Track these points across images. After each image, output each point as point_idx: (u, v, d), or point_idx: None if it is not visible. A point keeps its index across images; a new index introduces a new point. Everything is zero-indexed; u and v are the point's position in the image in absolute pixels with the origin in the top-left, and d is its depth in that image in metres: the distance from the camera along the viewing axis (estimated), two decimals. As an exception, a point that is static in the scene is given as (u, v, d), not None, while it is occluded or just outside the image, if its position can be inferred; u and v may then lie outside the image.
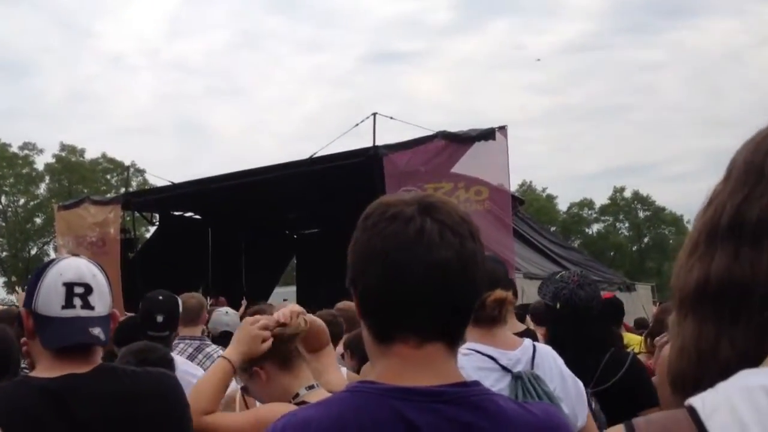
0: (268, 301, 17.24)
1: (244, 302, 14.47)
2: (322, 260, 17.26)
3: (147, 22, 64.49)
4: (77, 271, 1.92)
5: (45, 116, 59.09)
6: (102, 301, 1.94)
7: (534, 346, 2.47)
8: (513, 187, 9.85)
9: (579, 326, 3.23)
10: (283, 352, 2.26)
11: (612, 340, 3.48)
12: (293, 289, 19.16)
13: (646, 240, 55.82)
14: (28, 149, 43.94)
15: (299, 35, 67.34)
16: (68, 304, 1.88)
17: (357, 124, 11.87)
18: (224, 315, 5.74)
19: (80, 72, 61.37)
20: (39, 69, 63.04)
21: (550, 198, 55.48)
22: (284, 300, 16.04)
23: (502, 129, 9.11)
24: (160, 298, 4.15)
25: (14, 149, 43.49)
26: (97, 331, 1.88)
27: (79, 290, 1.90)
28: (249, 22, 67.64)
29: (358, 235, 1.25)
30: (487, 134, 9.05)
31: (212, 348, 4.36)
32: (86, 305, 1.90)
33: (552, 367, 2.44)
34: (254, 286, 16.20)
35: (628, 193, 55.90)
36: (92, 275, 1.94)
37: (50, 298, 1.88)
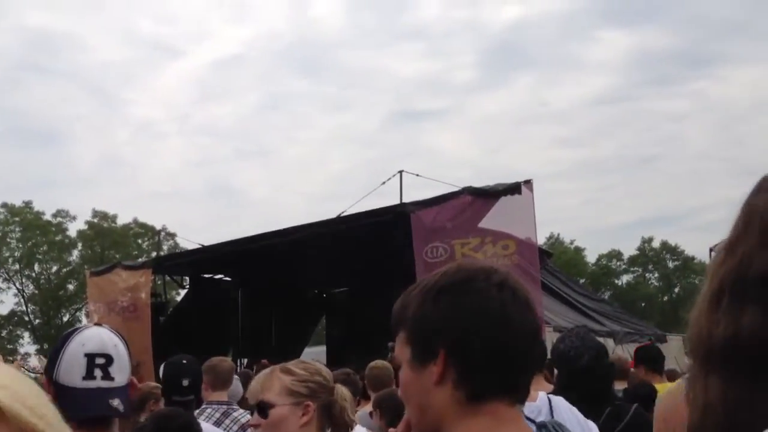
0: (299, 361, 17.18)
1: (255, 367, 14.46)
2: (351, 319, 17.24)
3: (176, 89, 66.10)
4: (99, 342, 1.95)
5: (78, 183, 60.41)
6: (122, 372, 1.96)
7: (549, 398, 2.54)
8: (540, 240, 9.84)
9: (569, 379, 3.26)
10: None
11: (607, 396, 3.37)
12: (323, 348, 19.07)
13: (676, 290, 54.95)
14: (61, 216, 44.84)
15: (324, 96, 68.62)
16: (89, 375, 1.90)
17: (384, 182, 12.04)
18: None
19: (111, 139, 62.87)
20: (71, 137, 64.74)
21: (579, 250, 55.05)
22: (313, 359, 15.97)
23: (528, 183, 9.15)
24: (184, 362, 4.13)
25: (47, 217, 44.40)
26: (116, 402, 1.90)
27: (100, 361, 1.92)
28: (275, 85, 69.11)
29: (456, 299, 1.29)
30: (513, 188, 9.09)
31: (239, 413, 4.29)
32: (106, 376, 1.92)
33: (569, 416, 2.50)
34: (284, 346, 16.17)
35: (656, 243, 55.33)
36: (113, 345, 1.97)
37: (71, 369, 1.90)
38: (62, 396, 1.88)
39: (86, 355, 1.91)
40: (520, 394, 1.30)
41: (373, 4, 68.69)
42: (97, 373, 1.91)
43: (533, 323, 1.30)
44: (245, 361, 15.57)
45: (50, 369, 1.93)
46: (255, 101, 69.22)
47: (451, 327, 1.27)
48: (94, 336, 1.96)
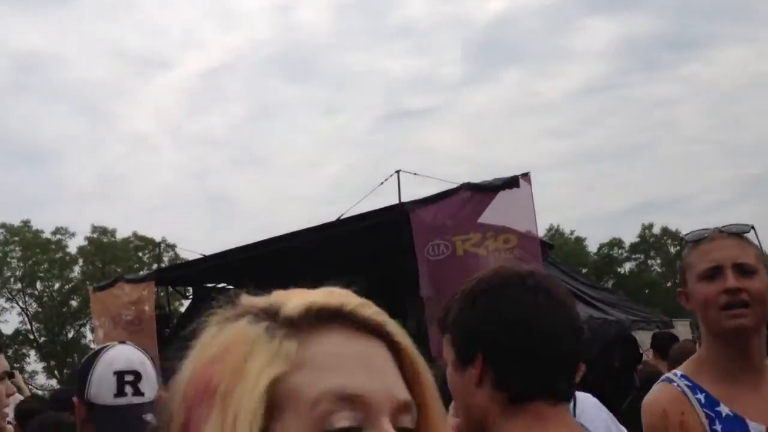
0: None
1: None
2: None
3: (166, 101, 66.02)
4: (126, 360, 1.98)
5: (75, 200, 60.28)
6: (150, 387, 1.99)
7: (574, 395, 2.45)
8: (541, 232, 9.84)
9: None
10: None
11: (625, 386, 3.32)
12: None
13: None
14: (60, 234, 44.80)
15: (316, 100, 68.53)
16: (120, 392, 1.93)
17: (382, 183, 12.05)
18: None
19: (106, 154, 62.82)
20: (65, 155, 64.72)
21: (580, 240, 55.04)
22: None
23: (526, 176, 9.15)
24: None
25: (47, 235, 44.38)
26: (149, 416, 1.93)
27: (129, 378, 1.95)
28: (265, 92, 69.00)
29: (491, 304, 1.33)
30: (512, 182, 9.09)
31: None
32: (137, 392, 1.95)
33: (597, 414, 2.41)
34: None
35: (656, 230, 55.30)
36: (140, 362, 2.00)
37: (102, 387, 1.93)
38: (96, 415, 1.93)
39: (115, 373, 1.94)
40: (562, 393, 1.32)
41: (358, 5, 68.66)
42: (128, 389, 1.94)
43: (570, 323, 1.31)
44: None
45: (80, 389, 1.96)
46: (246, 109, 69.21)
47: (487, 331, 1.32)
48: (121, 354, 2.00)
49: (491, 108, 70.16)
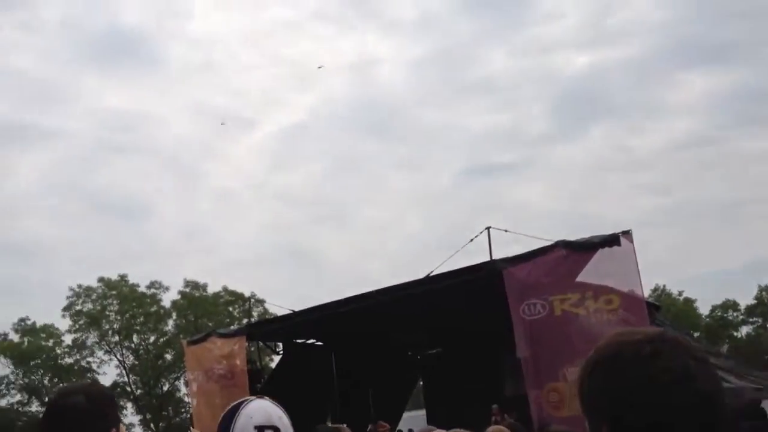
0: (398, 427, 16.91)
1: (370, 428, 14.24)
2: (447, 380, 16.92)
3: (250, 159, 68.12)
4: (265, 414, 2.03)
5: (168, 254, 62.44)
6: None
7: None
8: (645, 292, 9.42)
9: None
10: None
11: None
12: (423, 412, 18.70)
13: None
14: (155, 288, 46.31)
15: (395, 156, 69.19)
16: None
17: (472, 239, 11.90)
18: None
19: (195, 210, 65.06)
20: (158, 210, 67.30)
21: (689, 302, 52.30)
22: (409, 430, 15.68)
23: (627, 233, 8.82)
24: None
25: (142, 289, 45.95)
26: None
27: None
28: (345, 149, 70.27)
29: (607, 376, 1.28)
30: (612, 240, 8.77)
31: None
32: None
33: None
34: (382, 409, 15.96)
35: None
36: (278, 417, 2.04)
37: None
38: None
39: (256, 427, 1.99)
40: None
41: (437, 62, 69.26)
42: None
43: (699, 389, 1.22)
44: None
45: None
46: (326, 165, 70.57)
47: (605, 404, 1.27)
48: (260, 409, 2.05)
49: (580, 163, 69.11)
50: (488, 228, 12.50)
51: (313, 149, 70.11)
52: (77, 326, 45.13)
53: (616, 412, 1.25)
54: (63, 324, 45.23)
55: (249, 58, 70.73)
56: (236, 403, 2.09)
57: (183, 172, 65.97)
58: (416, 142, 70.05)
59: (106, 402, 2.21)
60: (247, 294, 42.94)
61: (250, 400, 2.08)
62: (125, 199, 63.73)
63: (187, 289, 46.33)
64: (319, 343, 17.51)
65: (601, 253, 8.78)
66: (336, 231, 68.26)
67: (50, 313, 60.49)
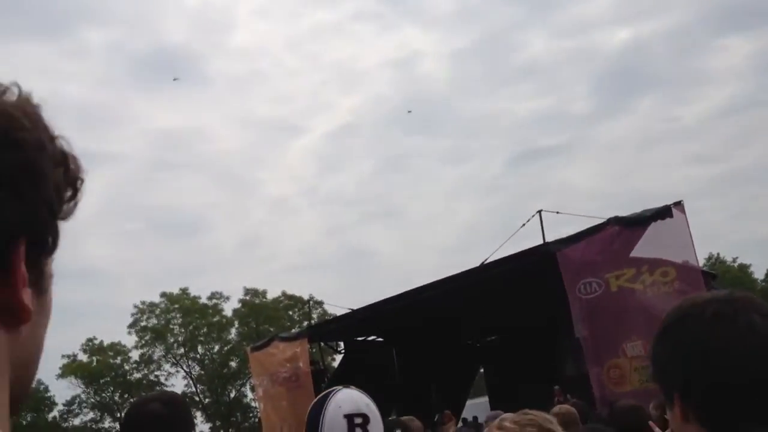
0: (461, 415, 16.96)
1: (437, 418, 14.31)
2: (507, 366, 16.89)
3: (299, 164, 68.74)
4: (353, 403, 2.06)
5: (226, 265, 63.48)
6: (378, 428, 2.07)
7: None
8: (700, 262, 9.29)
9: None
10: None
11: None
12: (485, 399, 18.75)
13: None
14: (216, 298, 47.20)
15: (442, 149, 69.01)
16: None
17: (523, 225, 11.88)
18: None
19: (249, 219, 65.96)
20: (213, 223, 68.37)
21: (744, 267, 51.38)
22: (473, 416, 15.70)
23: (679, 205, 8.71)
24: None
25: (204, 300, 46.88)
26: None
27: (358, 420, 2.03)
28: (392, 146, 70.36)
29: (675, 340, 1.28)
30: (663, 213, 8.67)
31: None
32: None
33: None
34: (445, 400, 16.04)
35: (828, 249, 50.67)
36: (366, 405, 2.08)
37: (335, 431, 2.01)
38: None
39: (345, 416, 2.02)
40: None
41: (477, 52, 68.83)
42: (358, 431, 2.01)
43: (763, 344, 1.21)
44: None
45: None
46: (374, 164, 70.73)
47: (675, 369, 1.27)
48: (348, 397, 2.07)
49: (627, 138, 67.95)
50: (539, 211, 12.46)
51: (360, 149, 70.39)
52: (143, 342, 46.27)
53: (686, 376, 1.24)
54: (129, 341, 46.48)
55: (293, 64, 71.35)
56: (324, 392, 2.13)
57: (236, 183, 67.00)
58: (462, 133, 69.85)
59: (180, 407, 2.35)
60: (305, 297, 43.47)
61: (339, 390, 2.11)
62: (182, 214, 65.10)
63: (247, 297, 47.09)
64: (379, 339, 17.66)
65: (654, 227, 8.68)
66: (388, 228, 68.54)
67: (116, 331, 62.30)
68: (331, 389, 2.14)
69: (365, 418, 2.03)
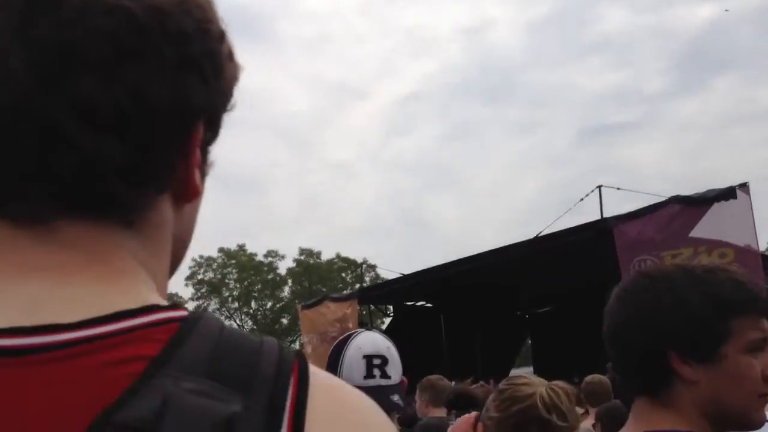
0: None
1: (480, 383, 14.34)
2: (556, 338, 16.79)
3: (364, 129, 68.74)
4: (374, 345, 2.10)
5: (283, 225, 64.39)
6: (396, 371, 2.11)
7: None
8: (762, 246, 9.03)
9: None
10: None
11: None
12: (530, 369, 18.72)
13: None
14: (271, 257, 48.01)
15: (510, 120, 68.07)
16: (369, 374, 2.06)
17: (582, 199, 11.71)
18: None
19: (310, 181, 66.52)
20: (274, 183, 69.19)
21: (807, 255, 49.86)
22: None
23: (744, 186, 8.43)
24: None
25: (260, 258, 47.74)
26: (396, 398, 2.04)
27: (377, 362, 2.07)
28: (459, 115, 69.75)
29: (673, 297, 1.34)
30: (727, 194, 8.42)
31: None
32: (384, 375, 2.07)
33: None
34: (490, 368, 16.06)
35: None
36: (386, 347, 2.13)
37: (352, 370, 2.05)
38: None
39: (364, 357, 2.06)
40: None
41: (553, 22, 67.28)
42: (376, 372, 2.06)
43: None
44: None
45: (331, 372, 2.06)
46: (441, 132, 70.27)
47: (666, 331, 1.38)
48: (369, 340, 2.12)
49: (700, 119, 65.89)
50: (599, 186, 12.26)
51: (427, 117, 70.02)
52: (199, 294, 47.47)
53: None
54: (186, 292, 47.71)
55: (363, 28, 71.13)
56: (346, 334, 2.18)
57: (299, 144, 67.59)
58: (531, 104, 68.75)
59: None
60: (359, 260, 43.88)
61: (360, 332, 2.16)
62: (244, 172, 66.06)
63: (302, 257, 47.77)
64: (429, 305, 17.75)
65: (716, 207, 8.45)
66: (449, 197, 68.36)
67: (174, 283, 62.98)
68: (352, 332, 2.19)
69: (384, 360, 2.06)
